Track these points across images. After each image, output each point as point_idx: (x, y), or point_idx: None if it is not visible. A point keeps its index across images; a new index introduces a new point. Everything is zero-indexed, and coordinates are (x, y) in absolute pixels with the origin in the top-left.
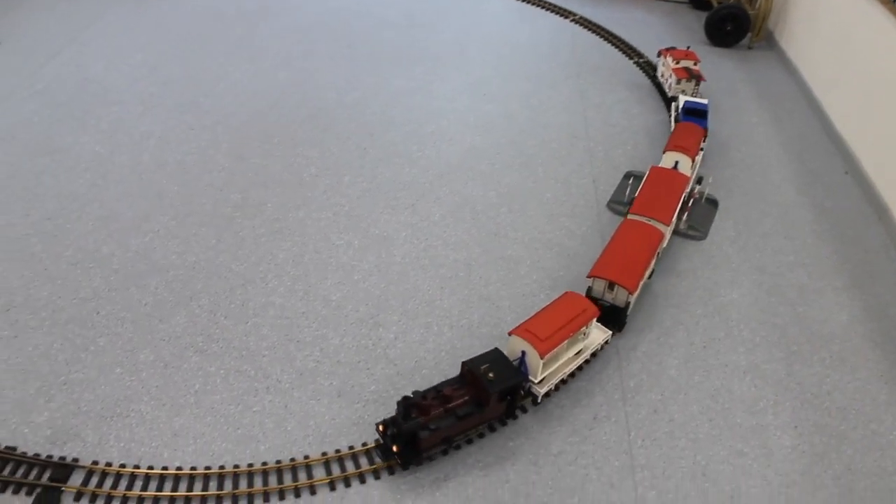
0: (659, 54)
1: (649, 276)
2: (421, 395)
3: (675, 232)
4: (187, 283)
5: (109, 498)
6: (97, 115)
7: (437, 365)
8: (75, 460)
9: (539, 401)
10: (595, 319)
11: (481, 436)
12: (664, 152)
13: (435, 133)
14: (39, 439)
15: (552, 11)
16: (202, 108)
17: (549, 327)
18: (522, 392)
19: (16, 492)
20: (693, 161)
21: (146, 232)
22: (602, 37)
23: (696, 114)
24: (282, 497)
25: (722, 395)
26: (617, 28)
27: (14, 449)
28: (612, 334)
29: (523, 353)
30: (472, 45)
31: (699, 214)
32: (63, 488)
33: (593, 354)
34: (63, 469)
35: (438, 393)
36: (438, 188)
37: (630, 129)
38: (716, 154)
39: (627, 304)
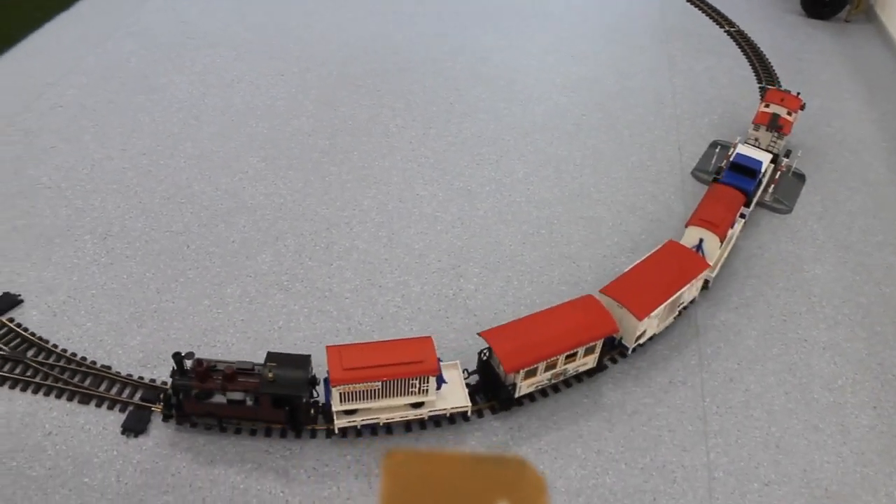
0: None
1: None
2: (212, 364)
3: (760, 204)
4: (274, 224)
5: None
6: (191, 58)
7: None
8: (164, 383)
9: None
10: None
11: (550, 392)
12: (687, 225)
13: (522, 91)
14: (132, 361)
15: None
16: (292, 54)
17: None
18: (313, 410)
19: (110, 407)
20: (722, 240)
21: (236, 172)
22: (692, 3)
23: (743, 172)
24: (358, 434)
25: (800, 370)
26: None
27: (109, 368)
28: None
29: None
30: (560, 5)
31: (786, 188)
32: (153, 408)
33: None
34: (153, 390)
35: (230, 371)
36: (523, 146)
37: (718, 99)
38: (805, 128)
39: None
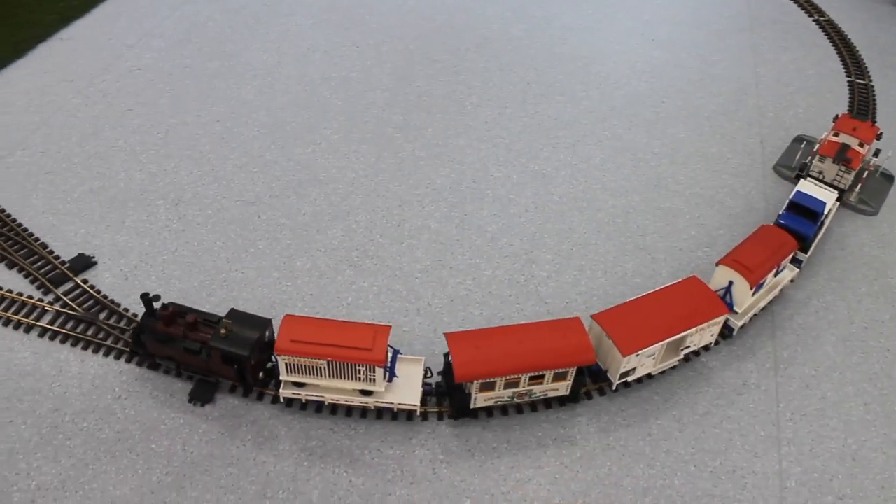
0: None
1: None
2: (181, 310)
3: (845, 204)
4: (346, 198)
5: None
6: (266, 25)
7: (587, 309)
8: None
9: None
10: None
11: (601, 393)
12: (718, 264)
13: (600, 74)
14: None
15: None
16: (368, 26)
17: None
18: (257, 372)
19: (178, 374)
20: (754, 287)
21: (309, 143)
22: None
23: (803, 214)
24: (424, 418)
25: (881, 380)
26: None
27: None
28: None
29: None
30: None
31: (872, 189)
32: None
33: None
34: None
35: (194, 320)
36: (600, 131)
37: (804, 91)
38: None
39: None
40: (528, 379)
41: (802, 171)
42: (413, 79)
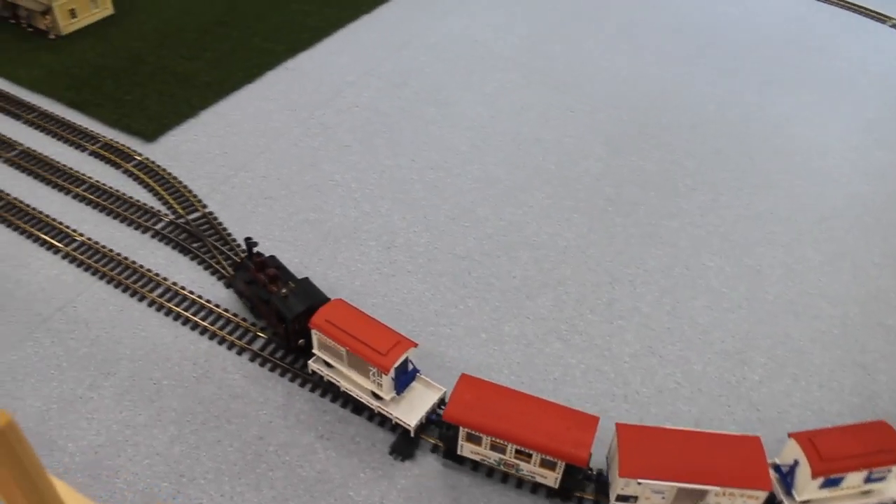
0: None
1: None
2: (270, 263)
3: None
4: (556, 267)
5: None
6: (482, 78)
7: (801, 423)
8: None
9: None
10: None
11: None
12: (790, 435)
13: (820, 171)
14: None
15: None
16: (583, 91)
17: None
18: (298, 337)
19: (380, 424)
20: (817, 476)
21: (521, 204)
22: None
23: None
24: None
25: None
26: None
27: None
28: None
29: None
30: (867, 79)
31: None
32: (421, 437)
33: None
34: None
35: (274, 274)
36: (818, 231)
37: None
38: None
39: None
40: (514, 450)
41: None
42: (627, 151)
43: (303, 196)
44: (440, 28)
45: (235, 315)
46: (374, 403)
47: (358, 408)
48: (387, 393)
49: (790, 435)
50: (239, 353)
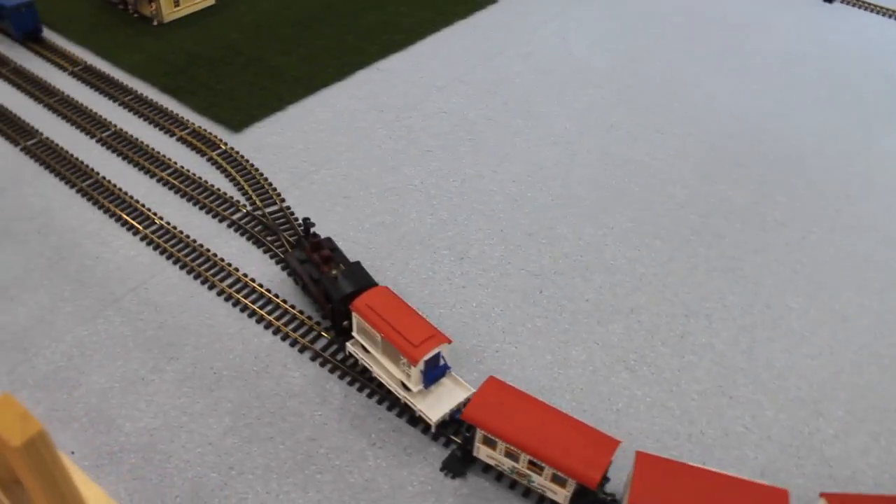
0: None
1: None
2: (327, 243)
3: None
4: (631, 294)
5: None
6: (573, 93)
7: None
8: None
9: None
10: None
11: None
12: (821, 495)
13: None
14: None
15: None
16: (675, 113)
17: None
18: (342, 319)
19: (434, 438)
20: None
21: (601, 226)
22: None
23: None
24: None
25: None
26: None
27: None
28: None
29: None
30: None
31: None
32: (476, 454)
33: None
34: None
35: (328, 255)
36: None
37: None
38: None
39: None
40: (527, 460)
41: None
42: (716, 180)
43: (380, 198)
44: (535, 38)
45: (301, 312)
46: (401, 393)
47: (392, 404)
48: (414, 385)
49: (822, 494)
50: (301, 351)
